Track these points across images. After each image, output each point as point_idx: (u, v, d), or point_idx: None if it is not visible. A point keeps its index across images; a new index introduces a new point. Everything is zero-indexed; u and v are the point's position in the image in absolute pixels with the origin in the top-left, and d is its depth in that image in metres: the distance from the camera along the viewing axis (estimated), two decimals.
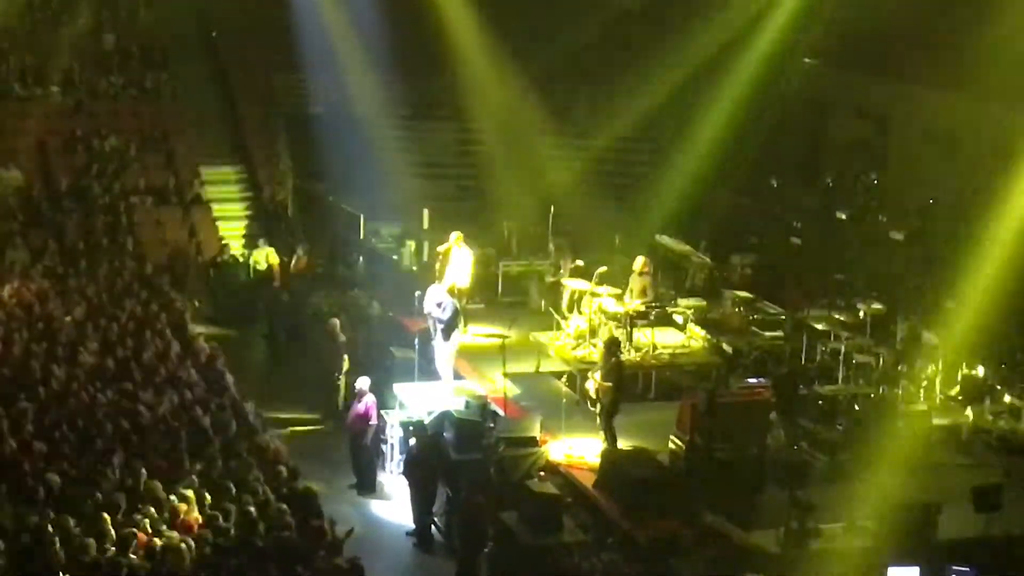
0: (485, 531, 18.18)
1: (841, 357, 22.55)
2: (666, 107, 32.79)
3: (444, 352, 22.76)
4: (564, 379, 23.24)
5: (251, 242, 30.33)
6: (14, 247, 27.29)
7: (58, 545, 14.95)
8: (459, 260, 25.17)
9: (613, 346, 21.03)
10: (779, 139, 29.50)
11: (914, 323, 24.02)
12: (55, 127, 31.83)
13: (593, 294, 23.82)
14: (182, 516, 15.93)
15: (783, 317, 24.72)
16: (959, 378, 22.64)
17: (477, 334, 25.17)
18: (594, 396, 20.95)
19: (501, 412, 21.39)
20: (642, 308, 23.60)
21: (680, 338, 23.95)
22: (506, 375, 21.66)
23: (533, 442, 20.45)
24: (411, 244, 29.12)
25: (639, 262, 24.06)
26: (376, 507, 20.84)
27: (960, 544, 17.91)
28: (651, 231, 28.30)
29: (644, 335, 23.43)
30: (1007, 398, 21.80)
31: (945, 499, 18.38)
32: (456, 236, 25.27)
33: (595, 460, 20.15)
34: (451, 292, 23.89)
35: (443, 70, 32.98)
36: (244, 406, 20.12)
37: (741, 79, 29.97)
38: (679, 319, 24.29)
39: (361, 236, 30.06)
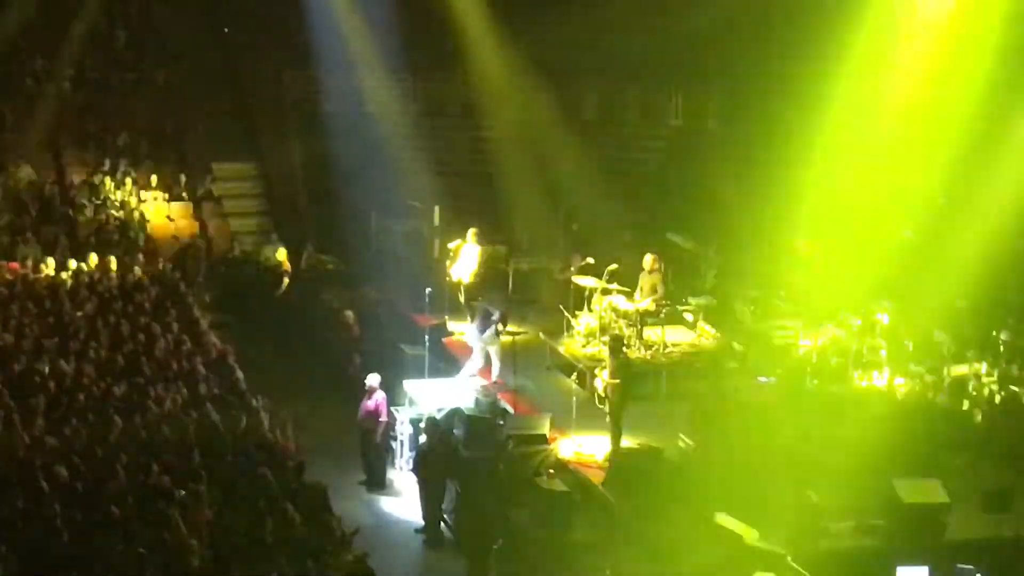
0: (491, 529, 18.17)
1: (851, 356, 22.51)
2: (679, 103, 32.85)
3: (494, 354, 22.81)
4: (574, 376, 23.23)
5: (262, 238, 30.39)
6: (25, 242, 27.35)
7: (67, 539, 15.00)
8: (468, 256, 25.27)
9: (617, 343, 21.01)
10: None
11: (925, 322, 23.98)
12: (67, 123, 31.88)
13: (604, 291, 23.81)
14: (191, 511, 15.95)
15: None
16: (971, 377, 22.62)
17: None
18: (603, 394, 20.95)
19: (511, 409, 21.41)
20: (652, 306, 23.59)
21: (691, 336, 23.94)
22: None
23: (543, 440, 20.46)
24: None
25: (648, 260, 24.03)
26: (386, 503, 20.87)
27: (970, 545, 17.88)
28: (662, 229, 28.25)
29: (655, 333, 23.43)
30: None
31: (955, 499, 18.36)
32: (472, 232, 25.39)
33: (605, 458, 20.16)
34: (457, 287, 24.04)
35: (455, 67, 32.97)
36: (254, 401, 20.15)
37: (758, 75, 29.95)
38: (689, 317, 24.27)
39: (372, 233, 30.09)
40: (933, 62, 26.78)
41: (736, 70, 31.05)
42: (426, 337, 23.20)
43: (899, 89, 27.06)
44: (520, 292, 27.52)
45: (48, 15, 33.13)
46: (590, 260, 25.04)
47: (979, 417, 21.66)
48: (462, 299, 25.63)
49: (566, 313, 24.37)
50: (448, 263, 25.77)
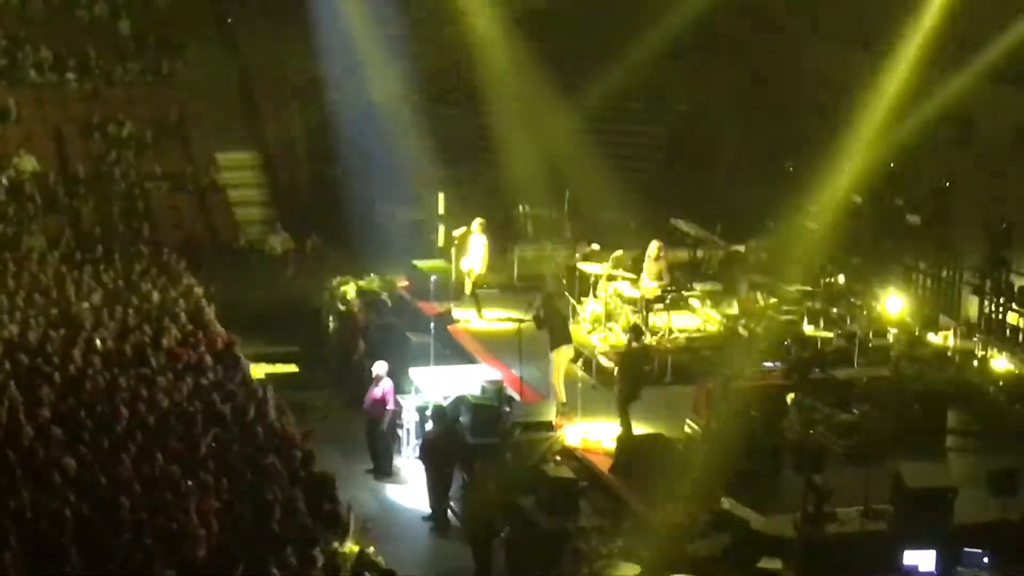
0: (493, 517, 18.17)
1: (857, 340, 22.51)
2: (680, 89, 32.78)
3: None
4: (580, 363, 23.21)
5: (266, 228, 30.40)
6: (31, 233, 27.38)
7: (74, 530, 15.02)
8: (475, 247, 25.27)
9: (636, 332, 20.98)
10: (795, 122, 29.38)
11: (930, 306, 23.97)
12: (71, 114, 31.90)
13: (609, 278, 23.80)
14: (199, 501, 15.97)
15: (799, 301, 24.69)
16: (976, 361, 22.62)
17: (493, 319, 25.24)
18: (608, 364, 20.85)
19: (517, 397, 21.41)
20: (658, 292, 23.59)
21: (696, 322, 23.93)
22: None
23: (549, 427, 20.47)
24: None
25: (653, 247, 24.02)
26: (393, 492, 20.89)
27: (977, 528, 17.88)
28: (666, 215, 28.23)
29: (660, 319, 23.43)
30: None
31: (962, 483, 18.37)
32: (478, 223, 25.36)
33: (611, 444, 20.16)
34: (467, 277, 23.99)
35: (458, 54, 32.93)
36: (260, 391, 20.16)
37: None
38: (695, 303, 24.28)
39: (376, 221, 30.09)
40: None
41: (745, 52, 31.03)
42: (431, 325, 23.19)
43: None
44: (525, 279, 27.50)
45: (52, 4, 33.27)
46: (595, 247, 25.01)
47: (986, 399, 21.66)
48: (467, 291, 25.65)
49: (571, 300, 24.36)
50: (454, 251, 25.76)
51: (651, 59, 31.51)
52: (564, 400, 21.36)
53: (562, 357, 21.65)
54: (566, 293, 24.25)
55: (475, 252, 25.44)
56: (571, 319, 23.85)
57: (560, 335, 21.69)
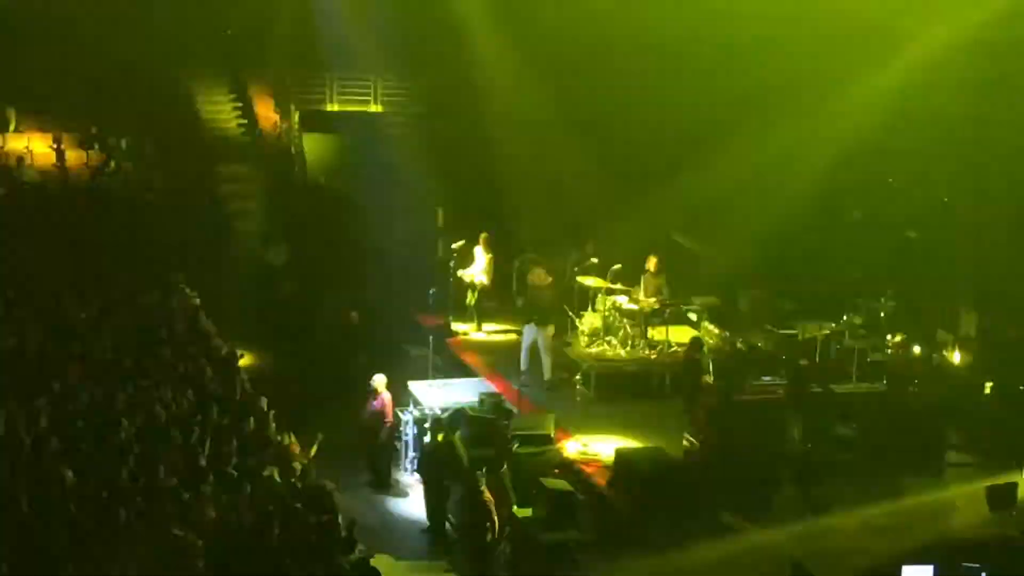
0: (491, 530, 18.16)
1: (855, 356, 22.52)
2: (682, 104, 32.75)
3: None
4: (578, 376, 23.23)
5: (266, 240, 30.38)
6: (30, 243, 27.34)
7: (71, 540, 15.02)
8: (479, 260, 25.36)
9: (695, 344, 21.03)
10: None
11: (928, 322, 23.99)
12: (71, 124, 31.89)
13: (607, 291, 23.84)
14: (197, 513, 15.96)
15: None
16: (975, 374, 22.63)
17: (492, 332, 25.25)
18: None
19: (515, 409, 21.43)
20: (656, 306, 23.63)
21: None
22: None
23: (547, 439, 20.47)
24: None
25: (653, 262, 24.06)
26: (391, 504, 20.88)
27: (975, 543, 17.89)
28: (666, 228, 28.26)
29: (659, 333, 23.45)
30: None
31: (960, 498, 18.38)
32: (482, 237, 25.45)
33: (609, 458, 20.18)
34: (469, 289, 24.08)
35: (457, 67, 32.97)
36: (259, 403, 20.15)
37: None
38: (693, 316, 24.30)
39: (376, 234, 30.10)
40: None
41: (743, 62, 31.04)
42: (430, 337, 23.20)
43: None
44: (524, 292, 27.50)
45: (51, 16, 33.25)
46: (594, 260, 25.06)
47: (984, 414, 21.68)
48: (468, 302, 25.67)
49: (570, 313, 24.39)
50: (452, 263, 25.77)
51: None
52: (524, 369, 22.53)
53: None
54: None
55: (479, 265, 25.48)
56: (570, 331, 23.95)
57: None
